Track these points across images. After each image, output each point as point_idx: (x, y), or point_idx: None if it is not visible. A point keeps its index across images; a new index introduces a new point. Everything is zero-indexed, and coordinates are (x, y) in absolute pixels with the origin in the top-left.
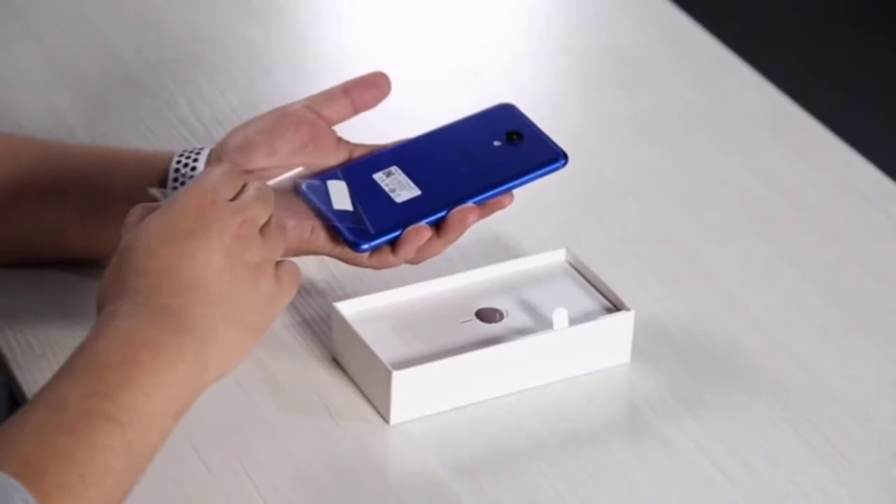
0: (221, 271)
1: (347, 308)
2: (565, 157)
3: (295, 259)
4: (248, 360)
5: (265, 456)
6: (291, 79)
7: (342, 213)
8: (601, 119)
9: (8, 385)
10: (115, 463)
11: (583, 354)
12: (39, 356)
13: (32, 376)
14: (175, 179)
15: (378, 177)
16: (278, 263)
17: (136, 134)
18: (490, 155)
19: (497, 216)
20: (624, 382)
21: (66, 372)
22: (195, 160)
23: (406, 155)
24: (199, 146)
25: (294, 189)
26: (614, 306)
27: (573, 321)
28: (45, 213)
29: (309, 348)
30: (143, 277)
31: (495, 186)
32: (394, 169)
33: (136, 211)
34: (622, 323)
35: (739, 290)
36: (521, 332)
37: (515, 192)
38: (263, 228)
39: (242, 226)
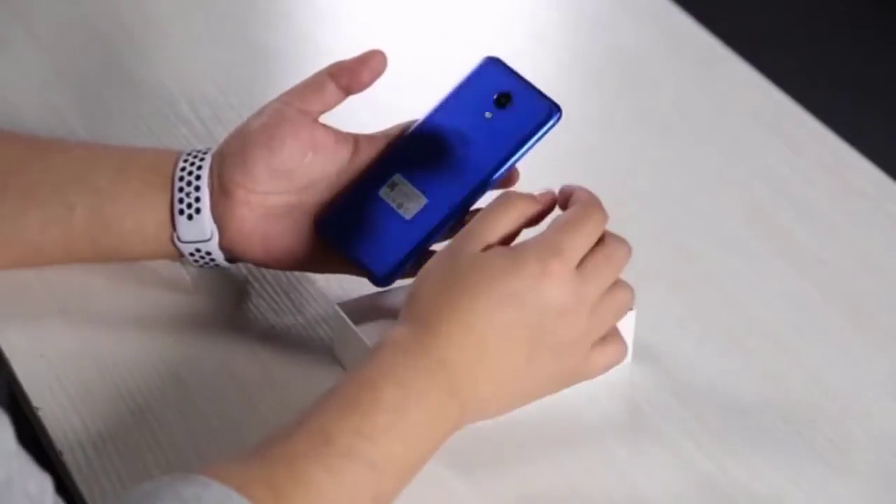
0: (521, 347)
1: (348, 308)
2: (559, 110)
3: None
4: (248, 360)
5: None
6: (292, 78)
7: (360, 248)
8: (601, 119)
9: (8, 385)
10: None
11: None
12: (39, 356)
13: (33, 376)
14: (181, 189)
15: (384, 192)
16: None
17: (137, 133)
18: (484, 132)
19: None
20: (625, 382)
21: (337, 397)
22: (199, 167)
23: (405, 157)
24: (201, 148)
25: (314, 224)
26: None
27: None
28: (51, 225)
29: (309, 348)
30: (445, 321)
31: (495, 171)
32: (397, 178)
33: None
34: (623, 323)
35: (739, 290)
36: None
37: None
38: (604, 296)
39: (575, 300)
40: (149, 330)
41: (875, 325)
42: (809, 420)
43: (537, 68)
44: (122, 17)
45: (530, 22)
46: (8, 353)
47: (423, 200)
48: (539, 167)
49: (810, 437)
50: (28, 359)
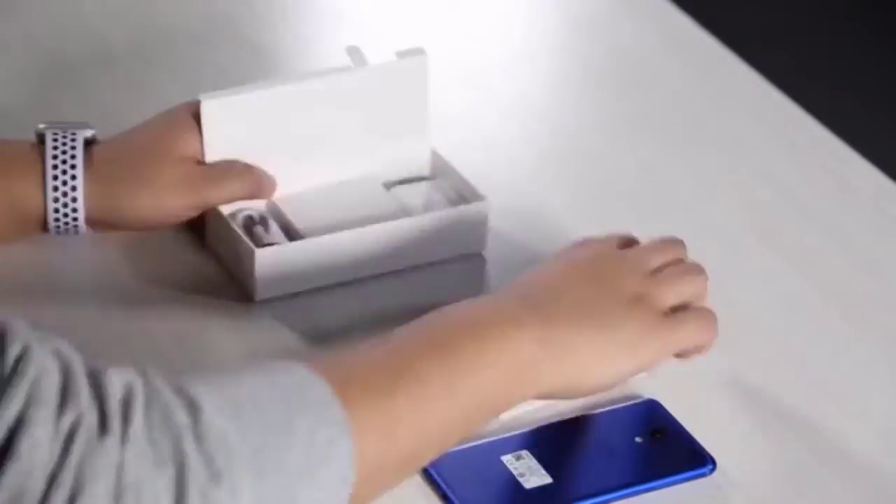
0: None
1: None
2: (713, 462)
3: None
4: (246, 360)
5: None
6: None
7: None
8: (601, 119)
9: None
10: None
11: (439, 243)
12: None
13: None
14: (57, 226)
15: (507, 459)
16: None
17: None
18: (630, 450)
19: (497, 216)
20: (625, 382)
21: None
22: (74, 188)
23: (538, 441)
24: (62, 150)
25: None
26: (469, 198)
27: (428, 208)
28: None
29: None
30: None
31: (634, 484)
32: (524, 453)
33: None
34: (477, 212)
35: (739, 290)
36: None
37: (516, 194)
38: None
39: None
40: (147, 329)
41: (874, 325)
42: (809, 420)
43: (537, 68)
44: (122, 17)
45: (530, 22)
46: None
47: (548, 479)
48: (538, 168)
49: (810, 437)
50: None
